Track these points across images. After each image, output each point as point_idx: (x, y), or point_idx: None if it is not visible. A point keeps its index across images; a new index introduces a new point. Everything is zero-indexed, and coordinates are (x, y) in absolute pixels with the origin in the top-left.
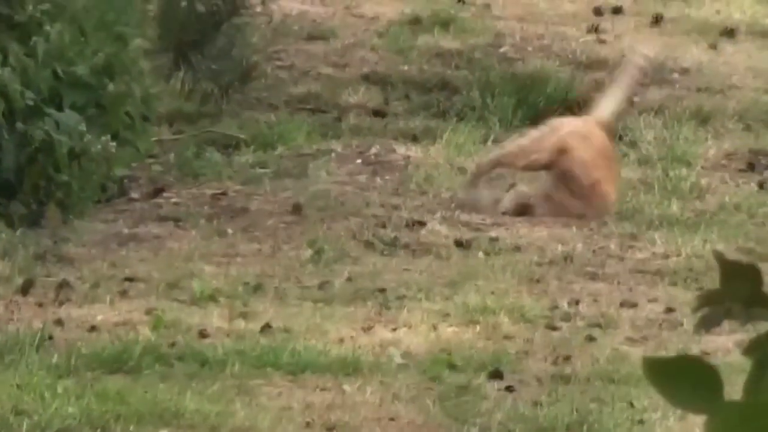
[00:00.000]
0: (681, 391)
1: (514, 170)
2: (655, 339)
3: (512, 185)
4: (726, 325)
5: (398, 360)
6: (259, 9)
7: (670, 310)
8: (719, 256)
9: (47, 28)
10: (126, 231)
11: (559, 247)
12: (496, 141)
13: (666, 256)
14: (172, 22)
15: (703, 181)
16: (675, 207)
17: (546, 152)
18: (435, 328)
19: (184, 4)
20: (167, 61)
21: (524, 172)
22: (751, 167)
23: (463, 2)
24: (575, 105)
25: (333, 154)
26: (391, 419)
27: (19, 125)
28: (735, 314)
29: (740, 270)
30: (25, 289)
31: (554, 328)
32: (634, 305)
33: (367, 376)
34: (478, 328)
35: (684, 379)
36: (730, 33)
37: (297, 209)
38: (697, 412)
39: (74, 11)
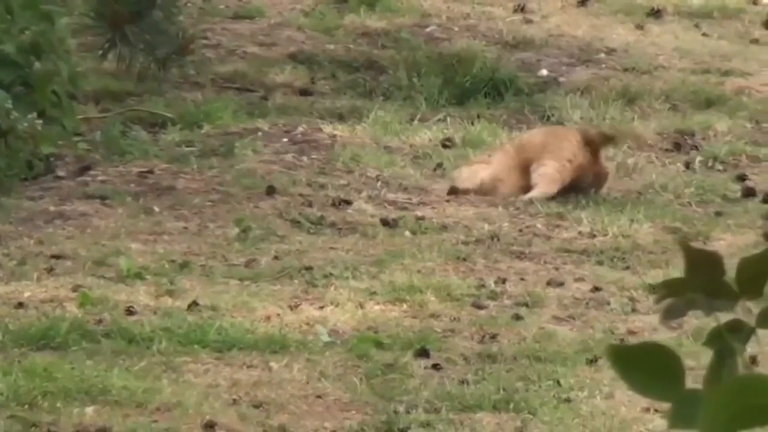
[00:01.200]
0: (645, 379)
1: None
2: (582, 318)
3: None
4: (652, 304)
5: (325, 338)
6: None
7: (596, 289)
8: (684, 245)
9: None
10: (52, 208)
11: (486, 226)
12: (422, 120)
13: (592, 236)
14: None
15: (630, 161)
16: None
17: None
18: (361, 306)
19: None
20: (103, 36)
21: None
22: (677, 147)
23: None
24: (501, 85)
25: (259, 133)
26: (318, 396)
27: None
28: (698, 304)
29: (704, 258)
30: None
31: (481, 307)
32: (560, 284)
33: (294, 353)
34: (404, 306)
35: (647, 366)
36: (656, 13)
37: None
38: (660, 400)
39: None
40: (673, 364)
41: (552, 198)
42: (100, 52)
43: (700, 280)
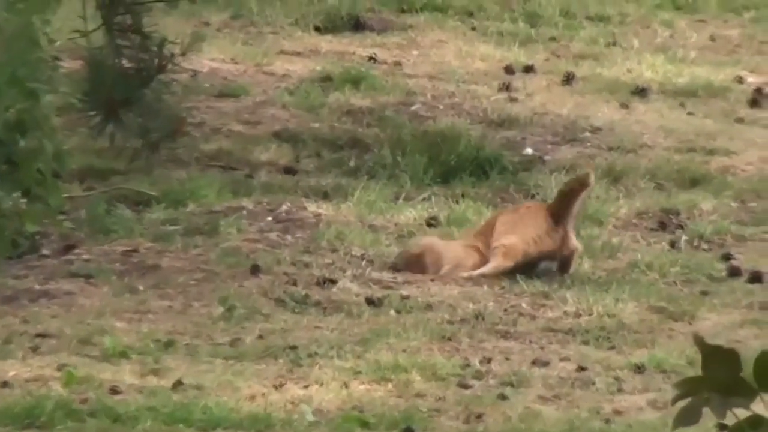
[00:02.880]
0: None
1: None
2: (567, 398)
3: None
4: (639, 383)
5: (310, 417)
6: (183, 65)
7: (582, 368)
8: (700, 342)
9: None
10: (37, 287)
11: (471, 306)
12: (407, 199)
13: (578, 315)
14: (99, 79)
15: (615, 240)
16: (586, 266)
17: None
18: (347, 385)
19: (112, 62)
20: (94, 117)
21: None
22: (662, 226)
23: (374, 60)
24: (486, 163)
25: (244, 212)
26: None
27: None
28: (713, 403)
29: (720, 355)
30: None
31: (466, 386)
32: (545, 364)
33: None
34: (389, 385)
35: None
36: (641, 92)
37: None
38: None
39: None
40: None
41: (514, 274)
42: (93, 131)
43: (718, 378)
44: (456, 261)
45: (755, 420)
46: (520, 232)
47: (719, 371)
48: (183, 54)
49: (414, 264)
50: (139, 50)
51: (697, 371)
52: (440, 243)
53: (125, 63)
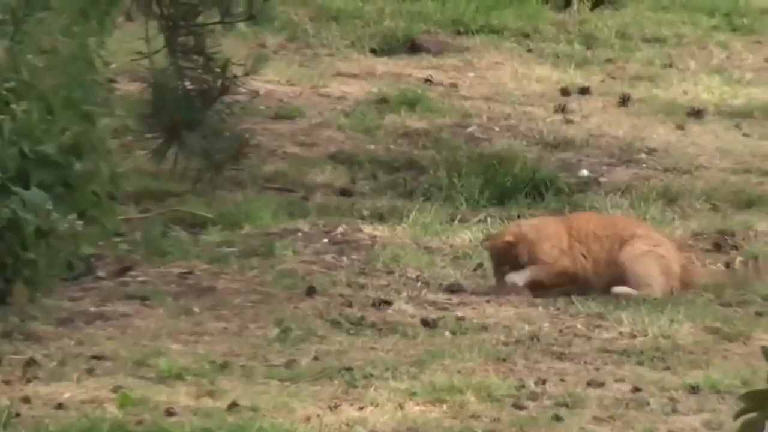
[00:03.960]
0: None
1: None
2: (622, 418)
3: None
4: (693, 404)
5: None
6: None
7: (636, 389)
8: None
9: (14, 106)
10: (93, 309)
11: (526, 327)
12: (462, 220)
13: (632, 336)
14: (162, 101)
15: None
16: None
17: None
18: (401, 407)
19: (175, 83)
20: (155, 140)
21: None
22: (717, 248)
23: (430, 82)
24: (542, 185)
25: (299, 234)
26: None
27: None
28: None
29: None
30: None
31: (521, 407)
32: (600, 384)
33: None
34: (445, 407)
35: None
36: (697, 113)
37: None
38: None
39: (42, 89)
40: None
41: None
42: (155, 153)
43: None
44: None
45: None
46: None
47: None
48: (246, 75)
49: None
50: (202, 72)
51: None
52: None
53: (188, 85)
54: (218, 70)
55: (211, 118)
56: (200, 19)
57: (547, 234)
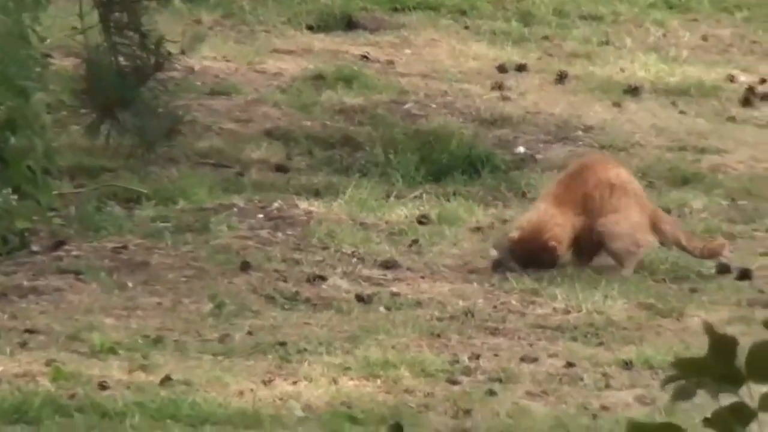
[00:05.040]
0: None
1: None
2: (555, 393)
3: None
4: (626, 380)
5: (298, 413)
6: (179, 63)
7: (570, 364)
8: (709, 329)
9: None
10: (26, 283)
11: (460, 302)
12: (398, 197)
13: (566, 312)
14: (96, 78)
15: None
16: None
17: None
18: (335, 381)
19: (109, 60)
20: (88, 116)
21: None
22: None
23: (367, 59)
24: (478, 162)
25: (235, 209)
26: None
27: None
28: (707, 387)
29: (724, 342)
30: None
31: (455, 383)
32: (534, 360)
33: (268, 429)
34: (378, 382)
35: None
36: (634, 91)
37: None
38: None
39: None
40: None
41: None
42: (88, 130)
43: (716, 362)
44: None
45: (738, 407)
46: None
47: (718, 357)
48: (183, 53)
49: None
50: (136, 49)
51: None
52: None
53: (122, 61)
54: (152, 47)
55: (145, 96)
56: None
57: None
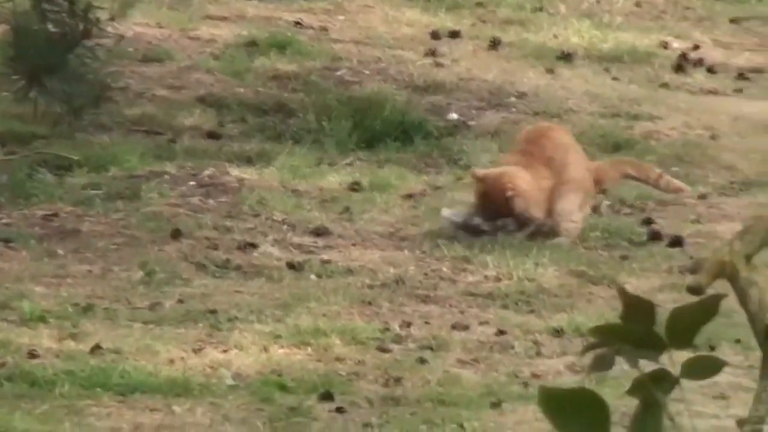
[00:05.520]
0: (572, 423)
1: None
2: (486, 361)
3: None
4: (557, 347)
5: (229, 381)
6: (109, 29)
7: (501, 332)
8: (622, 292)
9: None
10: None
11: (391, 270)
12: (330, 164)
13: (498, 279)
14: (24, 44)
15: None
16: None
17: None
18: (266, 349)
19: (38, 26)
20: (16, 83)
21: None
22: None
23: (300, 25)
24: (411, 129)
25: (166, 176)
26: None
27: None
28: (626, 353)
29: (640, 306)
30: None
31: (385, 350)
32: (465, 328)
33: (198, 397)
34: (309, 350)
35: (576, 411)
36: (567, 57)
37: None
38: None
39: None
40: (601, 411)
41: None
42: (16, 96)
43: (633, 328)
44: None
45: (660, 374)
46: None
47: (636, 322)
48: (112, 19)
49: None
50: (66, 15)
51: None
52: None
53: (51, 28)
54: (81, 13)
55: (72, 62)
56: None
57: None
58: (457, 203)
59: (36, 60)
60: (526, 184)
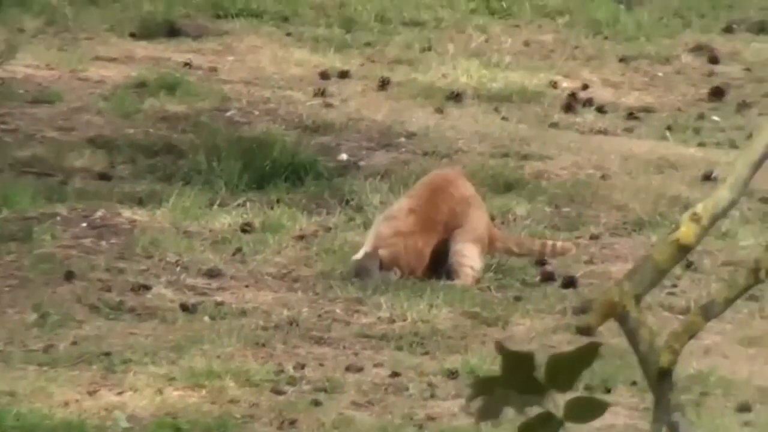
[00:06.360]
0: None
1: None
2: (381, 403)
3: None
4: (452, 389)
5: (123, 424)
6: None
7: (395, 374)
8: (501, 348)
9: None
10: None
11: (285, 312)
12: (221, 204)
13: (392, 321)
14: None
15: None
16: (399, 271)
17: None
18: (161, 391)
19: None
20: None
21: None
22: None
23: (190, 66)
24: (302, 169)
25: (58, 218)
26: None
27: None
28: (511, 401)
29: (519, 359)
30: None
31: (280, 392)
32: (359, 369)
33: None
34: (203, 392)
35: None
36: (456, 97)
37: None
38: None
39: None
40: None
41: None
42: None
43: (516, 379)
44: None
45: (545, 417)
46: None
47: (516, 372)
48: None
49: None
50: None
51: None
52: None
53: None
54: None
55: None
56: None
57: None
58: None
59: None
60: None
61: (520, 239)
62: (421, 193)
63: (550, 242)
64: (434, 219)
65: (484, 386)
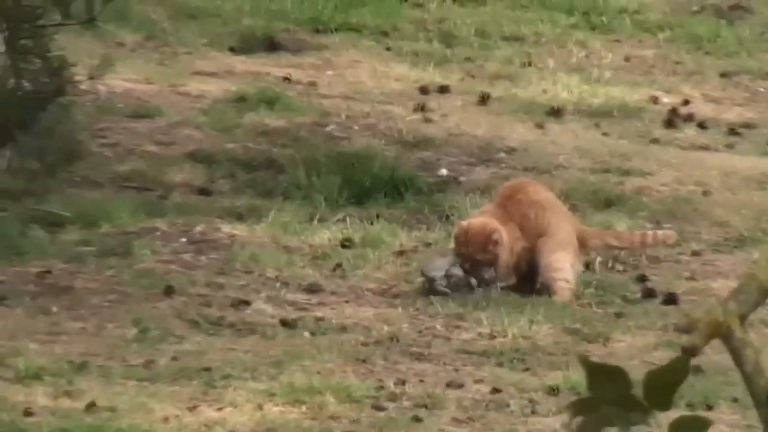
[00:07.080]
0: None
1: None
2: (481, 420)
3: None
4: (553, 405)
5: None
6: (84, 87)
7: (496, 390)
8: (584, 361)
9: None
10: None
11: (385, 327)
12: (321, 220)
13: (492, 337)
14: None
15: None
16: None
17: None
18: (260, 407)
19: (11, 82)
20: None
21: None
22: None
23: (289, 80)
24: (401, 184)
25: (158, 233)
26: None
27: None
28: (614, 419)
29: (606, 372)
30: None
31: (380, 408)
32: (460, 386)
33: None
34: (303, 408)
35: None
36: (556, 112)
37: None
38: None
39: None
40: None
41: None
42: None
43: (606, 395)
44: None
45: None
46: None
47: (607, 389)
48: (91, 78)
49: None
50: (41, 73)
51: None
52: None
53: (28, 86)
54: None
55: (45, 120)
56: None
57: None
58: (435, 255)
59: (9, 117)
60: (507, 235)
61: (618, 232)
62: (492, 203)
63: (650, 232)
64: (505, 223)
65: (582, 408)
